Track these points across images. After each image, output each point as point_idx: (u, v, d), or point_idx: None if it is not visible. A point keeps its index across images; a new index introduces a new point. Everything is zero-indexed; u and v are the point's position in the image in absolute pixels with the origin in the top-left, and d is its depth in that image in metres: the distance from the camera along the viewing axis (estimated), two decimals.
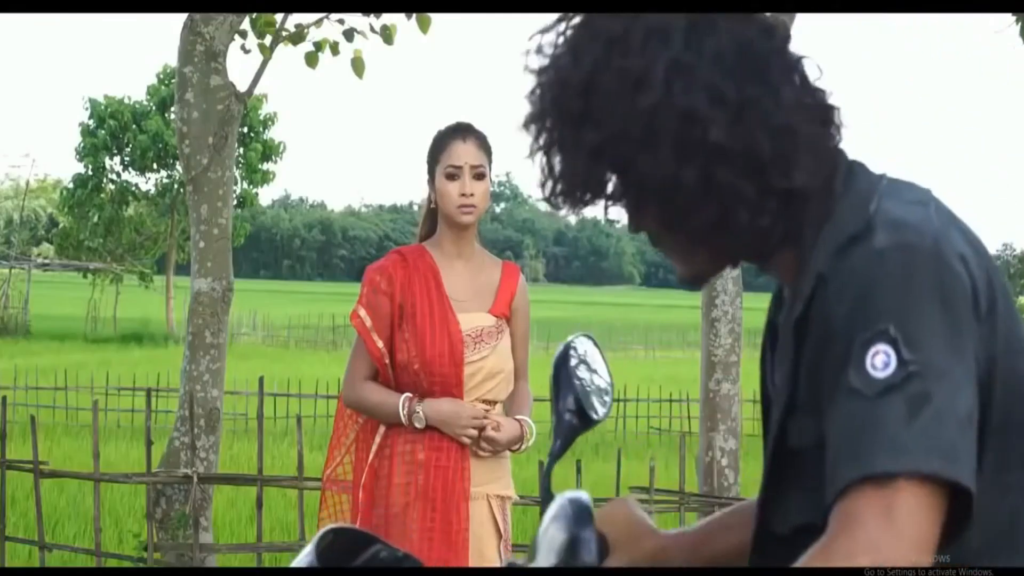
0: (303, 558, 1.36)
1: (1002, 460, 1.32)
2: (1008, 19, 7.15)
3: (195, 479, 5.80)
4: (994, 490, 1.30)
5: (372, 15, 6.87)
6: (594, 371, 1.75)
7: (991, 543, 1.32)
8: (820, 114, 1.38)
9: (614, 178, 1.37)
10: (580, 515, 1.45)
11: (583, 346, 1.75)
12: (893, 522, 1.19)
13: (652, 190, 1.35)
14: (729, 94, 1.32)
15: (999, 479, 1.31)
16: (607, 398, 1.76)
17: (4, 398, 5.93)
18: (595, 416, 1.71)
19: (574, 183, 1.38)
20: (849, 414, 1.24)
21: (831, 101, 1.40)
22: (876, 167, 1.47)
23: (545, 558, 1.44)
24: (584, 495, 1.49)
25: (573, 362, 1.72)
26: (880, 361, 1.23)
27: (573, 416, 1.70)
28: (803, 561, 1.23)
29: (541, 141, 1.39)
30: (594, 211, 1.43)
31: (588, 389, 1.72)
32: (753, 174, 1.33)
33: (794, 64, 1.38)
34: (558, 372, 1.71)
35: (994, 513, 1.31)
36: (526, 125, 1.40)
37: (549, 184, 1.40)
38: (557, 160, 1.39)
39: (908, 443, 1.20)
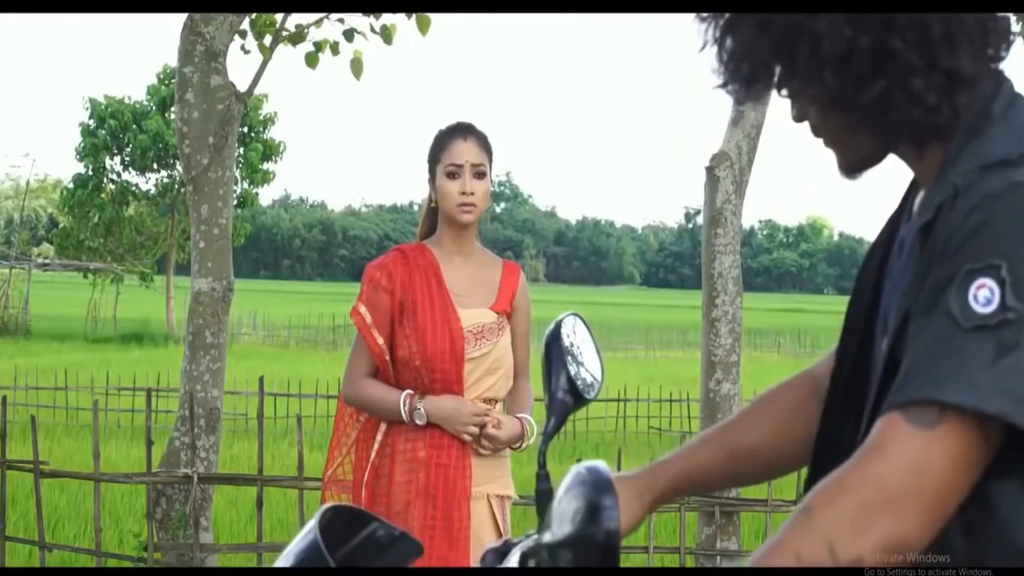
0: (306, 534, 1.35)
1: None
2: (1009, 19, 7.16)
3: (195, 479, 5.80)
4: None
5: (372, 15, 6.88)
6: (584, 349, 1.75)
7: None
8: (984, 17, 1.39)
9: (784, 56, 1.38)
10: (599, 482, 1.39)
11: (573, 324, 1.74)
12: (931, 456, 1.21)
13: (826, 58, 1.35)
14: None
15: None
16: (599, 375, 1.75)
17: (4, 398, 5.93)
18: (588, 395, 1.71)
19: (744, 59, 1.39)
20: (937, 337, 1.25)
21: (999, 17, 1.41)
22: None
23: (559, 527, 1.39)
24: (602, 464, 1.44)
25: (564, 340, 1.71)
26: (983, 296, 1.23)
27: (566, 394, 1.70)
28: (835, 472, 1.25)
29: (713, 27, 1.41)
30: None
31: (580, 367, 1.71)
32: (922, 47, 1.34)
33: None
34: (549, 350, 1.70)
35: None
36: (701, 19, 1.43)
37: (720, 70, 1.42)
38: (728, 44, 1.40)
39: (983, 382, 1.21)
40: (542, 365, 1.71)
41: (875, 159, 1.45)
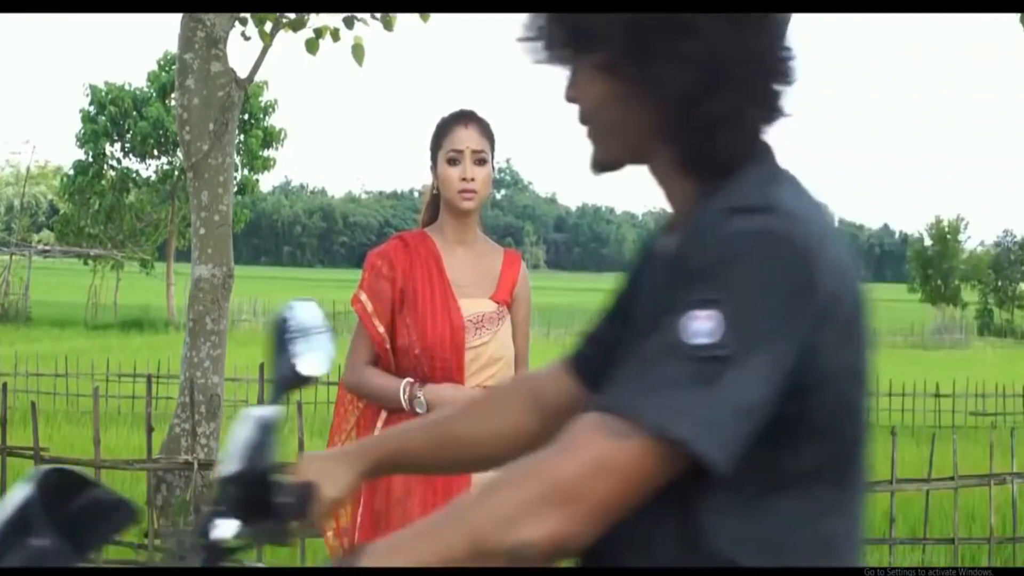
0: (19, 493, 1.40)
1: (815, 474, 1.34)
2: None
3: (196, 465, 5.81)
4: (807, 505, 1.34)
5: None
6: (311, 332, 1.82)
7: (809, 560, 1.35)
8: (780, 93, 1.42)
9: (632, 34, 1.38)
10: (265, 424, 1.55)
11: (300, 309, 1.81)
12: (611, 464, 1.25)
13: (686, 53, 1.35)
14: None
15: (812, 492, 1.35)
16: (325, 355, 1.81)
17: (5, 384, 5.94)
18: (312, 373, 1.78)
19: (579, 23, 1.40)
20: (651, 354, 1.29)
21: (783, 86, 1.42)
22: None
23: (226, 466, 1.54)
24: (272, 410, 1.59)
25: (290, 325, 1.78)
26: (702, 328, 1.26)
27: (289, 371, 1.77)
28: (531, 457, 1.30)
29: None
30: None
31: (305, 348, 1.78)
32: (734, 86, 1.37)
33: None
34: (274, 336, 1.77)
35: (812, 529, 1.35)
36: None
37: (539, 25, 1.44)
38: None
39: (677, 407, 1.24)
40: (269, 349, 1.76)
41: (627, 164, 1.49)
